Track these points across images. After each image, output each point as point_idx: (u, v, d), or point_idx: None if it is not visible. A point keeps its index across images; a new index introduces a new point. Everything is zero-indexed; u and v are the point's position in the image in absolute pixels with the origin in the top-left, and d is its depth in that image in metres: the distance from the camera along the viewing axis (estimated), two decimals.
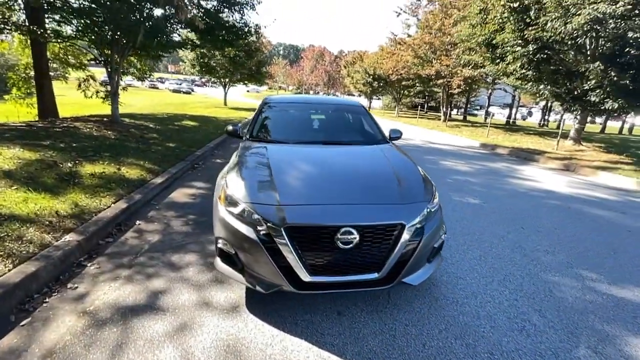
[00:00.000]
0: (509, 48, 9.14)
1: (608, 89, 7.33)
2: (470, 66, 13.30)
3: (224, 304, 2.23)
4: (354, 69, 30.90)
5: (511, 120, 24.41)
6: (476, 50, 10.96)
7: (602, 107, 7.90)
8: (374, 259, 2.03)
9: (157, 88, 46.82)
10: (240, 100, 36.22)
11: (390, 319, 2.15)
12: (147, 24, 6.17)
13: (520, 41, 8.58)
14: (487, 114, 25.89)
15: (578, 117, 10.46)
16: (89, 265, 2.60)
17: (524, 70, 9.03)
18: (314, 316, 2.14)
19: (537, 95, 10.12)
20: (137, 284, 2.40)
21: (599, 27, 6.87)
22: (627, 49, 6.79)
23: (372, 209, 2.11)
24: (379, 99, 44.21)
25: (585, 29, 6.99)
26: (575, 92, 8.33)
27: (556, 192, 5.90)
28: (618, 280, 2.83)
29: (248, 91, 59.25)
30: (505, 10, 8.31)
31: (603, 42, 7.10)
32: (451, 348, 1.92)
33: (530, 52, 8.42)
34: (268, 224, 1.97)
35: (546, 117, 28.89)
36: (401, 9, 21.44)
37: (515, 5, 8.02)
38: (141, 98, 27.67)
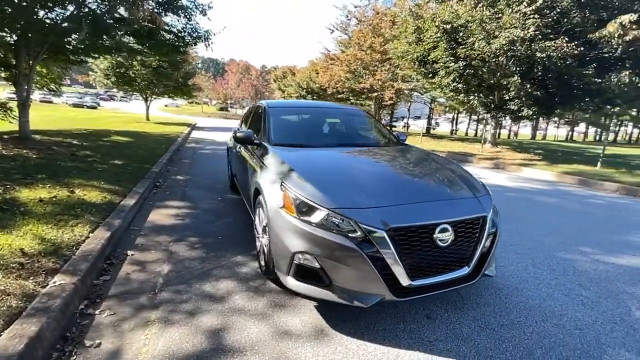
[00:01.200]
0: (441, 64, 10.38)
1: (524, 99, 8.90)
2: (404, 80, 14.68)
3: (306, 329, 1.91)
4: (285, 82, 31.22)
5: (431, 129, 27.54)
6: (411, 65, 12.15)
7: (519, 114, 9.59)
8: (465, 253, 1.99)
9: (51, 102, 39.65)
10: (160, 114, 33.19)
11: (478, 313, 2.12)
12: (87, 20, 5.16)
13: (452, 58, 9.83)
14: (407, 125, 28.86)
15: (492, 123, 12.40)
16: (97, 313, 1.97)
17: (455, 84, 10.34)
18: (407, 324, 1.98)
19: (467, 104, 11.74)
20: (181, 325, 1.90)
21: (514, 48, 8.30)
22: (536, 66, 8.36)
23: (455, 204, 2.08)
24: None
25: (504, 49, 8.37)
26: (498, 102, 9.93)
27: (505, 185, 6.78)
28: (609, 252, 3.34)
29: (166, 105, 54.61)
30: (439, 31, 9.45)
31: (517, 61, 8.60)
32: (546, 330, 1.98)
33: (461, 68, 9.70)
34: (366, 229, 1.77)
35: (454, 127, 33.55)
36: (334, 27, 22.64)
37: (447, 27, 9.18)
38: (36, 113, 23.17)
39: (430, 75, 11.62)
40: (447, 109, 33.53)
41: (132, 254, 2.77)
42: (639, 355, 1.81)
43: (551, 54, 7.89)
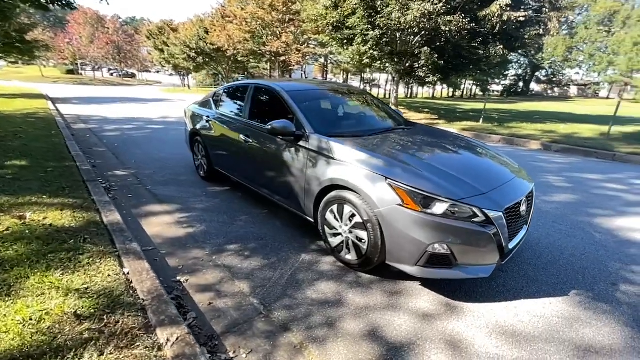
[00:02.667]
0: (359, 31, 10.80)
1: (431, 67, 10.28)
2: (319, 45, 14.64)
3: (438, 308, 2.13)
4: (165, 40, 26.61)
5: None
6: (325, 30, 12.16)
7: (426, 80, 11.07)
8: (527, 217, 2.50)
9: None
10: None
11: (543, 274, 2.72)
12: None
13: (369, 26, 10.33)
14: None
15: (394, 87, 13.95)
16: (234, 357, 1.71)
17: (372, 51, 11.01)
18: (495, 282, 2.42)
19: (383, 70, 12.69)
20: (335, 339, 1.84)
21: (425, 20, 9.32)
22: (440, 38, 9.66)
23: (520, 181, 2.49)
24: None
25: (417, 21, 9.32)
26: (408, 69, 11.15)
27: None
28: (605, 215, 4.54)
29: None
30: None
31: (427, 33, 9.73)
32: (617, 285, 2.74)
33: (378, 36, 10.34)
34: (488, 213, 2.04)
35: None
36: None
37: None
38: None
39: (346, 41, 11.98)
40: (341, 71, 35.07)
41: (186, 280, 2.34)
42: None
43: (451, 27, 9.24)
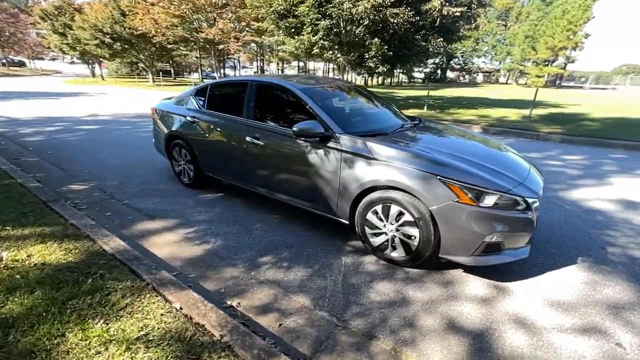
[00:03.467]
0: (308, 20, 10.64)
1: (380, 57, 10.68)
2: (259, 33, 13.92)
3: (493, 292, 2.31)
4: (65, 22, 22.55)
5: None
6: (271, 18, 11.67)
7: (377, 70, 11.47)
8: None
9: None
10: None
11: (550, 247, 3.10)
12: None
13: (319, 15, 10.23)
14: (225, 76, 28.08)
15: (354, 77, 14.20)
16: None
17: (322, 41, 10.97)
18: (527, 258, 2.71)
19: (334, 61, 12.70)
20: (431, 337, 1.89)
21: (375, 12, 9.60)
22: (388, 30, 10.07)
23: (533, 170, 2.78)
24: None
25: (367, 12, 9.54)
26: (358, 59, 11.41)
27: None
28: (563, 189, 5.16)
29: None
30: None
31: (377, 24, 10.03)
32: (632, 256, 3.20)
33: (328, 26, 10.33)
34: (529, 201, 2.26)
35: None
36: None
37: None
38: None
39: (293, 30, 11.72)
40: (277, 60, 34.19)
41: (238, 304, 2.14)
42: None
43: (398, 20, 9.71)
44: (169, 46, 18.57)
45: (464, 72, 63.85)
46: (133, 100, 15.92)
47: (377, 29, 10.23)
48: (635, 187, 4.50)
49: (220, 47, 16.59)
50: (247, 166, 3.33)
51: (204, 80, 28.71)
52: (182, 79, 37.76)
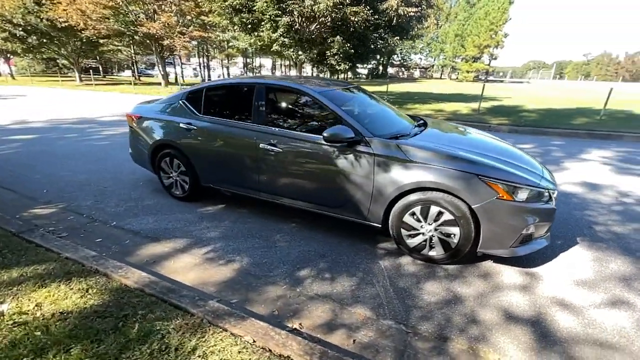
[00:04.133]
0: (267, 16, 10.29)
1: (342, 55, 10.77)
2: (210, 27, 13.03)
3: (526, 278, 2.49)
4: None
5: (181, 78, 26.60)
6: (225, 13, 11.03)
7: (338, 68, 11.55)
8: None
9: None
10: None
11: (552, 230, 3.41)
12: None
13: (279, 12, 9.96)
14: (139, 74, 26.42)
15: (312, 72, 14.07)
16: None
17: (282, 38, 10.70)
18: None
19: (295, 59, 12.40)
20: (498, 330, 1.97)
21: (336, 10, 9.65)
22: (349, 28, 10.20)
23: (546, 168, 3.03)
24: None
25: (329, 10, 9.55)
26: (319, 57, 11.36)
27: None
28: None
29: None
30: None
31: (337, 22, 10.08)
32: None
33: (289, 23, 10.12)
34: (552, 193, 2.49)
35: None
36: None
37: None
38: None
39: (250, 26, 11.27)
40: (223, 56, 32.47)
41: (300, 324, 2.01)
42: None
43: (358, 18, 9.90)
44: (101, 41, 16.53)
45: (402, 68, 67.76)
46: (63, 102, 13.97)
47: (338, 27, 10.31)
48: (587, 170, 5.21)
49: (166, 42, 15.25)
50: (259, 175, 3.12)
51: (140, 78, 26.47)
52: (114, 77, 34.15)
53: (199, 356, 1.56)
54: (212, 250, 2.80)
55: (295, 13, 9.60)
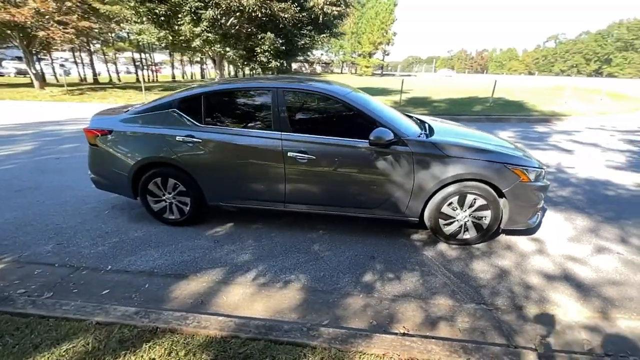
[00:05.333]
0: (187, 9, 9.25)
1: (272, 52, 10.43)
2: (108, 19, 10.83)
3: (539, 245, 3.01)
4: None
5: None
6: (127, 3, 9.43)
7: (269, 65, 11.07)
8: None
9: None
10: None
11: None
12: None
13: (202, 4, 9.07)
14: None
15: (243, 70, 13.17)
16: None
17: (206, 34, 9.77)
18: None
19: (223, 56, 11.22)
20: (562, 291, 2.36)
21: (265, 5, 9.33)
22: (279, 25, 9.96)
23: None
24: None
25: (259, 5, 9.17)
26: (248, 54, 10.71)
27: None
28: None
29: None
30: None
31: (266, 18, 9.72)
32: None
33: (214, 17, 9.31)
34: (543, 172, 3.05)
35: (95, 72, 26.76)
36: None
37: None
38: None
39: (163, 18, 10.00)
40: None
41: (404, 327, 2.04)
42: None
43: (286, 15, 9.82)
44: None
45: (305, 64, 69.68)
46: None
47: (266, 23, 10.01)
48: None
49: (41, 34, 12.12)
50: (286, 185, 2.93)
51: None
52: None
53: None
54: (258, 274, 2.54)
55: (223, 6, 8.91)
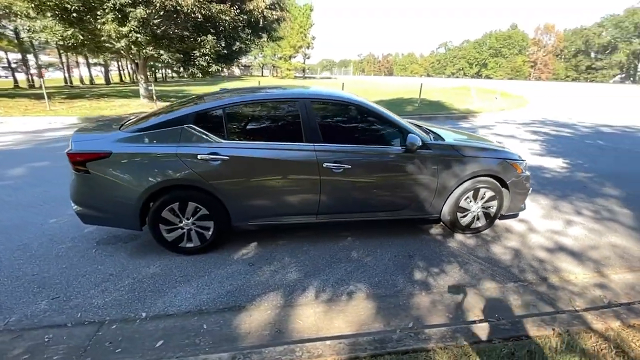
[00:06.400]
0: (110, 5, 8.02)
1: (213, 56, 9.72)
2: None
3: (531, 225, 3.58)
4: None
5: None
6: None
7: (209, 70, 10.18)
8: None
9: None
10: None
11: None
12: None
13: (130, 1, 7.97)
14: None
15: (142, 76, 11.78)
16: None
17: (135, 34, 8.59)
18: None
19: (158, 60, 9.73)
20: (564, 259, 2.86)
21: (205, 7, 8.70)
22: (219, 27, 9.36)
23: None
24: None
25: (197, 5, 8.52)
26: (185, 58, 9.71)
27: None
28: None
29: None
30: None
31: (205, 19, 9.02)
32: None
33: (144, 16, 8.28)
34: (526, 164, 3.65)
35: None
36: None
37: None
38: None
39: (75, 15, 8.53)
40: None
41: (497, 315, 2.26)
42: None
43: (226, 18, 9.37)
44: None
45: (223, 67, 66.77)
46: None
47: (204, 25, 9.36)
48: None
49: None
50: (320, 196, 2.89)
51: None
52: None
53: None
54: (318, 291, 2.47)
55: (157, 4, 7.99)
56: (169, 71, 46.54)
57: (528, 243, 3.22)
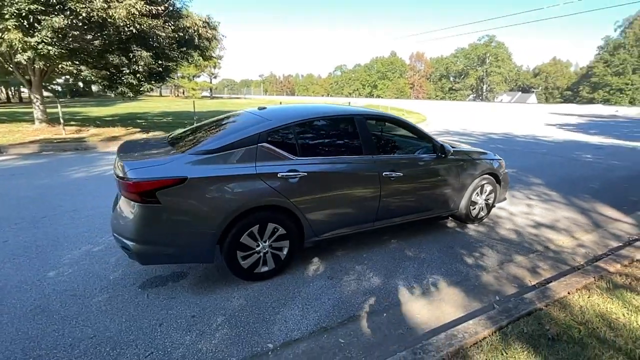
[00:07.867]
0: (14, 10, 6.50)
1: (145, 74, 8.64)
2: None
3: (510, 213, 4.49)
4: None
5: None
6: None
7: (140, 89, 8.82)
8: None
9: None
10: None
11: None
12: None
13: (42, 7, 6.60)
14: None
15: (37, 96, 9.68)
16: None
17: (47, 47, 7.06)
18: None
19: (77, 76, 7.66)
20: (564, 235, 3.73)
21: (140, 21, 7.86)
22: (153, 44, 8.47)
23: None
24: None
25: (132, 19, 7.64)
26: (112, 75, 8.26)
27: None
28: None
29: None
30: None
31: (138, 34, 8.05)
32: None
33: (62, 26, 6.97)
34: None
35: None
36: None
37: None
38: None
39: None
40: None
41: (532, 280, 2.84)
42: None
43: (161, 34, 8.70)
44: None
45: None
46: None
47: (136, 40, 8.42)
48: None
49: None
50: (379, 204, 3.13)
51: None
52: None
53: None
54: (408, 288, 2.69)
55: (82, 14, 6.82)
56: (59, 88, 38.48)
57: (517, 223, 4.09)
